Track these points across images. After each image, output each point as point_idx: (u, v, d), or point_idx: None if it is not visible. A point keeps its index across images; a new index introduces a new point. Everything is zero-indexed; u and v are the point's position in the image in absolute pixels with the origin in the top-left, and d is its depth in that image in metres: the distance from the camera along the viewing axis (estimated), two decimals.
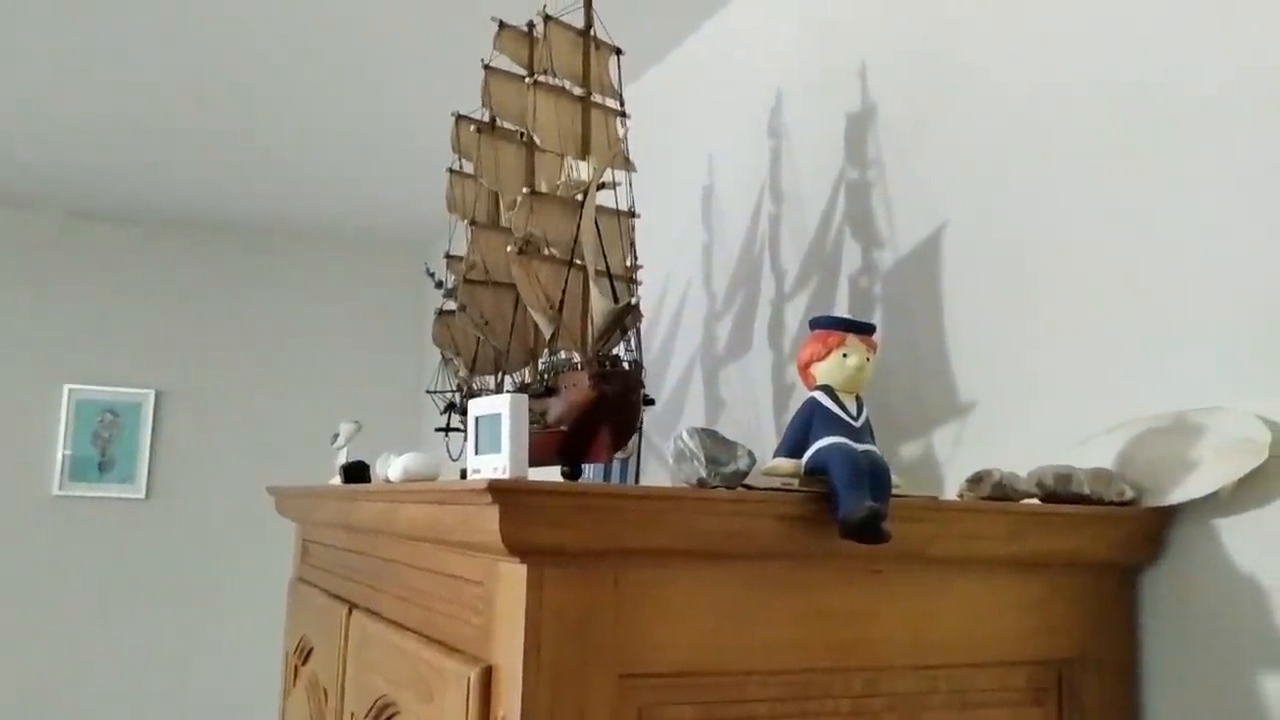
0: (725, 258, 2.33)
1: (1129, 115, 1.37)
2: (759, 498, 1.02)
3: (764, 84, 2.22)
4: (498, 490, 0.92)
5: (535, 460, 1.71)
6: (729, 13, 2.42)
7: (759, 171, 2.21)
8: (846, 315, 1.12)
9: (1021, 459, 1.34)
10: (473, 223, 1.73)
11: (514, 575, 0.98)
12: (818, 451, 1.06)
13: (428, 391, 2.21)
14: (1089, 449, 1.34)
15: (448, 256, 1.97)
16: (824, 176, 1.98)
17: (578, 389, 1.42)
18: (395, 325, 4.92)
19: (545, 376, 1.49)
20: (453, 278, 1.74)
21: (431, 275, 1.78)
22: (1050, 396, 1.45)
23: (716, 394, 2.29)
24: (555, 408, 1.48)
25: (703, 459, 0.99)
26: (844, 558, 1.08)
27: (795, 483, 1.08)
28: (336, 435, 2.33)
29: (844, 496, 1.00)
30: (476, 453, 1.06)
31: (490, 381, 2.00)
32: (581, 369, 1.45)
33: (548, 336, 1.50)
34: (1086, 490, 1.20)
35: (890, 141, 1.82)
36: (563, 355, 1.66)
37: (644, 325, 1.75)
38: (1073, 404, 1.41)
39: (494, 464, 1.02)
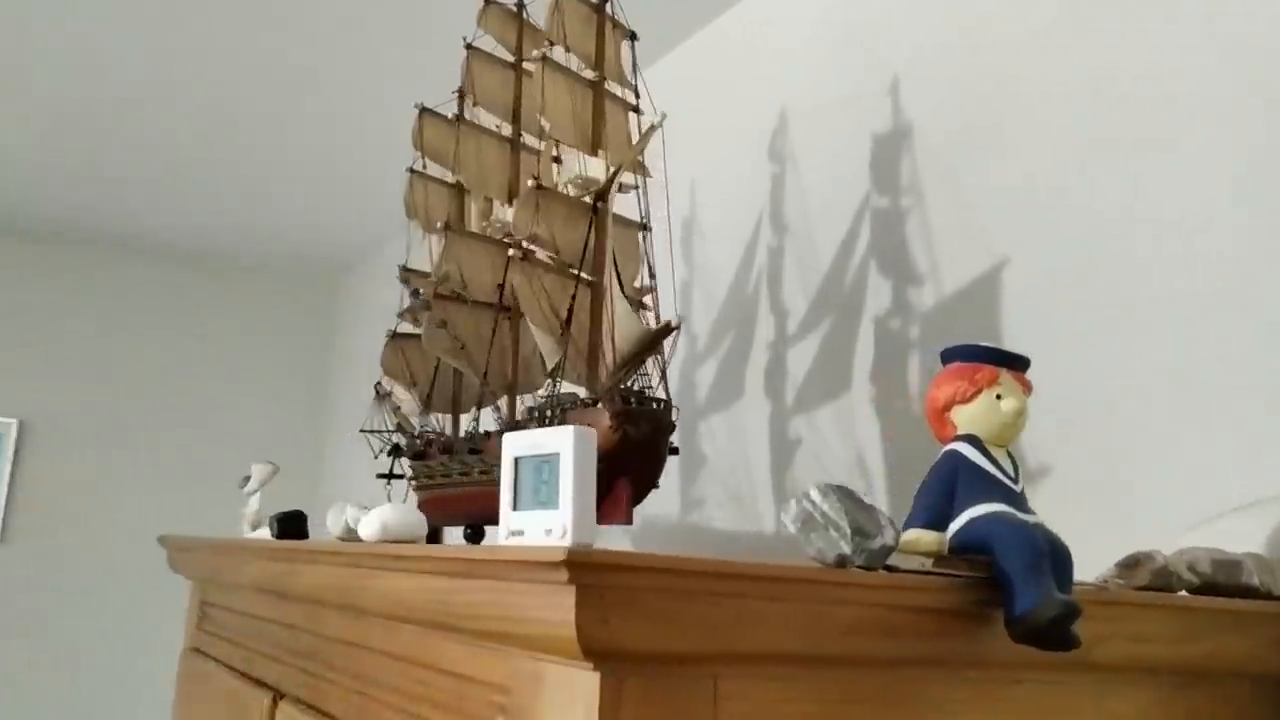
0: (708, 294, 2.07)
1: (1238, 130, 1.17)
2: (914, 584, 0.75)
3: (764, 103, 1.99)
4: (579, 565, 0.63)
5: None
6: (720, 26, 2.19)
7: (756, 199, 1.97)
8: (990, 345, 0.87)
9: (1113, 541, 1.10)
10: (446, 227, 1.43)
11: (575, 685, 0.69)
12: (973, 523, 0.79)
13: (362, 431, 1.88)
14: (1218, 530, 1.11)
15: (404, 270, 1.67)
16: (842, 205, 1.75)
17: (594, 431, 1.12)
18: (297, 357, 4.52)
19: (548, 414, 1.20)
20: (417, 293, 1.44)
21: (405, 283, 1.47)
22: (1145, 464, 1.22)
23: (695, 447, 2.01)
24: None
25: (847, 529, 0.71)
26: (987, 665, 0.82)
27: (929, 563, 0.82)
28: (247, 478, 1.98)
29: (1022, 586, 0.74)
30: (515, 508, 0.76)
31: (442, 421, 1.69)
32: (595, 405, 1.16)
33: (550, 362, 1.21)
34: (1255, 581, 0.96)
35: (930, 166, 1.60)
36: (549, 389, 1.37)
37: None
38: (1174, 472, 1.18)
39: (547, 525, 0.73)
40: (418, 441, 1.62)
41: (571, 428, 0.72)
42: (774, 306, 1.87)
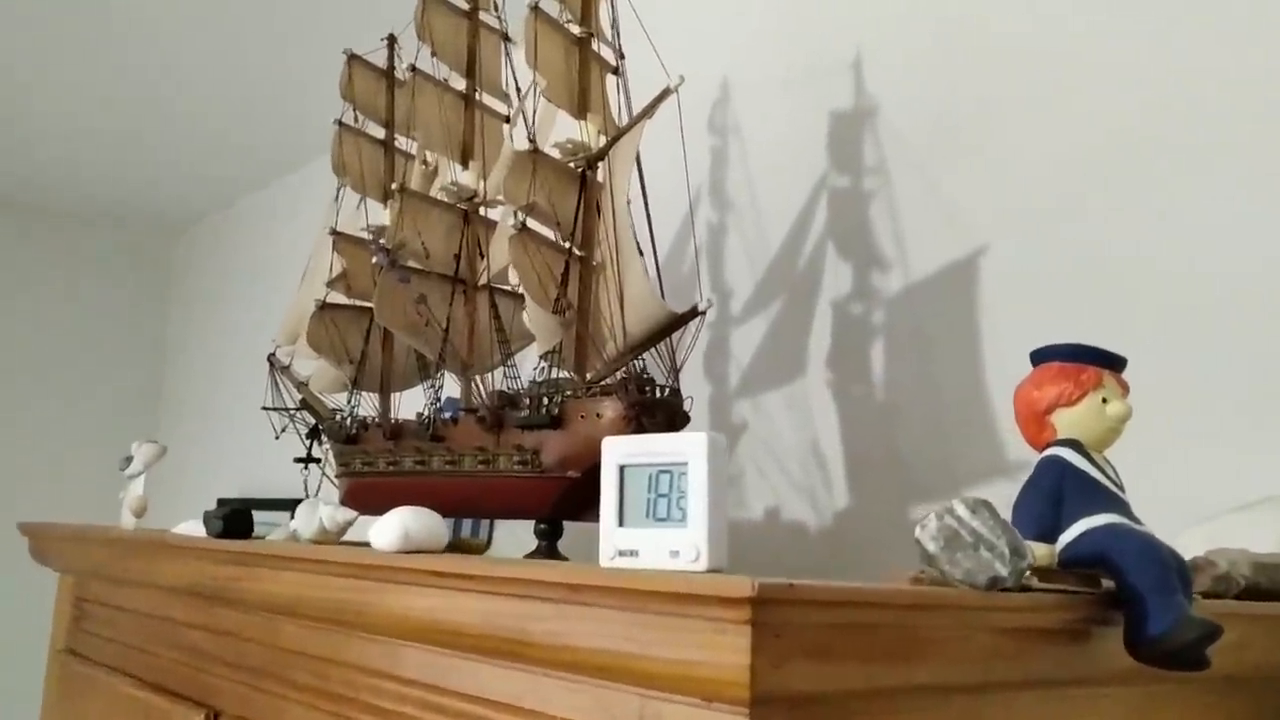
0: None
1: (1235, 112, 1.17)
2: (1053, 604, 0.70)
3: (705, 74, 1.90)
4: (768, 602, 0.54)
5: (511, 512, 1.29)
6: None
7: (694, 173, 1.88)
8: (1079, 343, 0.82)
9: None
10: (401, 189, 1.29)
11: None
12: (1089, 535, 0.74)
13: (264, 408, 1.71)
14: (1219, 530, 1.11)
15: (335, 233, 1.51)
16: (796, 185, 1.68)
17: (603, 422, 1.03)
18: (130, 323, 4.16)
19: (544, 402, 1.09)
20: (394, 261, 1.27)
21: (376, 243, 1.29)
22: (1129, 460, 1.22)
23: None
24: (557, 445, 1.08)
25: (1005, 550, 0.65)
26: (1091, 682, 0.79)
27: (1033, 578, 0.77)
28: (129, 458, 1.78)
29: (1154, 604, 0.70)
30: (622, 524, 0.66)
31: (370, 401, 1.55)
32: (602, 395, 1.06)
33: (545, 343, 1.10)
34: None
35: (899, 146, 1.55)
36: (528, 375, 1.26)
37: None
38: (1163, 470, 1.18)
39: (674, 545, 0.63)
40: (348, 423, 1.47)
41: (704, 434, 0.62)
42: (715, 284, 1.80)
